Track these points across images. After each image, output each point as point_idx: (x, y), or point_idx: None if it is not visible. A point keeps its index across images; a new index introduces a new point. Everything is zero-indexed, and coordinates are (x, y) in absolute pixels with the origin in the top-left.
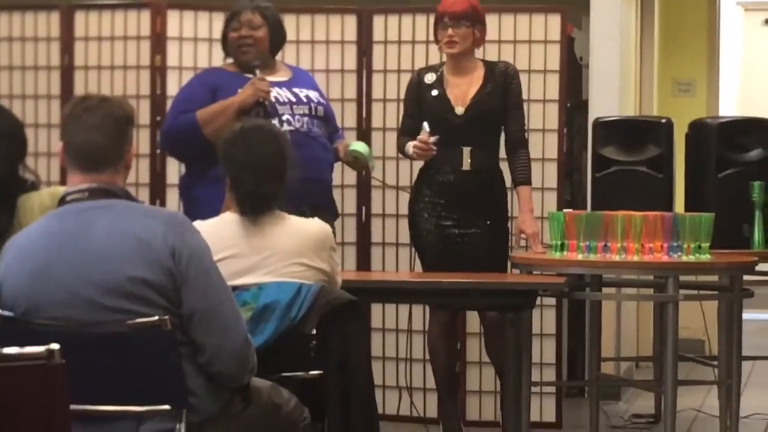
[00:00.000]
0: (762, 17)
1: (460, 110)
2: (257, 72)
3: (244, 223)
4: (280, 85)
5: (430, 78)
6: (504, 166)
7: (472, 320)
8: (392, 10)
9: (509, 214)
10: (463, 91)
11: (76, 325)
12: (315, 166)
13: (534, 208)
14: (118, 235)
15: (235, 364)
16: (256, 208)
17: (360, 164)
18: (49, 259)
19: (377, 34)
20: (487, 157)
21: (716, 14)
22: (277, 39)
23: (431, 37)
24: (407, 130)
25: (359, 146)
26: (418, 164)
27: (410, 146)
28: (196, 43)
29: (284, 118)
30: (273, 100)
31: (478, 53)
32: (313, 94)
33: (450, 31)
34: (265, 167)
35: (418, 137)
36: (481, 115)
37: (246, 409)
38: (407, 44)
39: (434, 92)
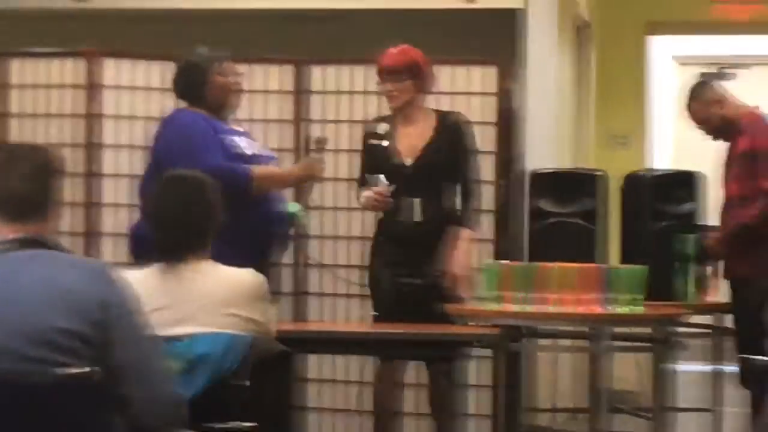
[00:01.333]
0: (696, 71)
1: (408, 161)
2: (321, 150)
3: (172, 272)
4: (240, 134)
5: (382, 128)
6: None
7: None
8: (329, 61)
9: None
10: (412, 143)
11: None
12: (280, 223)
13: (470, 255)
14: (46, 285)
15: (165, 417)
16: (169, 257)
17: (294, 223)
18: None
19: (315, 84)
20: (439, 207)
21: (651, 68)
22: None
23: (369, 87)
24: (364, 182)
25: (294, 207)
26: (357, 214)
27: (365, 197)
28: (133, 92)
29: None
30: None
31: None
32: (264, 148)
33: (389, 85)
34: (174, 216)
35: (375, 189)
36: (429, 167)
37: None
38: (345, 95)
39: (384, 143)
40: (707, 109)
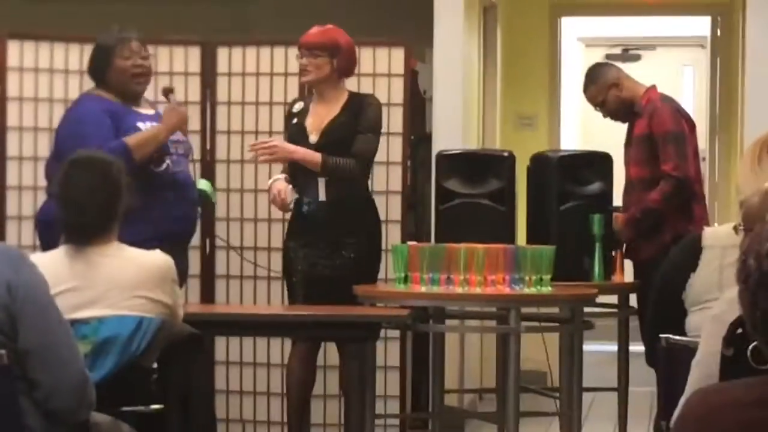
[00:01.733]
0: (602, 53)
1: (313, 138)
2: (172, 98)
3: (79, 255)
4: (148, 118)
5: (297, 107)
6: (381, 198)
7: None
8: (236, 42)
9: (377, 245)
10: (320, 120)
11: None
12: (195, 209)
13: (310, 160)
14: None
15: (73, 399)
16: (76, 239)
17: (203, 200)
18: None
19: (221, 66)
20: (346, 187)
21: (557, 49)
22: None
23: (276, 69)
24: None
25: (203, 184)
26: (263, 196)
27: (272, 188)
28: (37, 74)
29: (173, 157)
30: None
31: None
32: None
33: (304, 60)
34: (80, 198)
35: (278, 191)
36: (332, 143)
37: None
38: (251, 76)
39: (295, 120)
40: (605, 91)
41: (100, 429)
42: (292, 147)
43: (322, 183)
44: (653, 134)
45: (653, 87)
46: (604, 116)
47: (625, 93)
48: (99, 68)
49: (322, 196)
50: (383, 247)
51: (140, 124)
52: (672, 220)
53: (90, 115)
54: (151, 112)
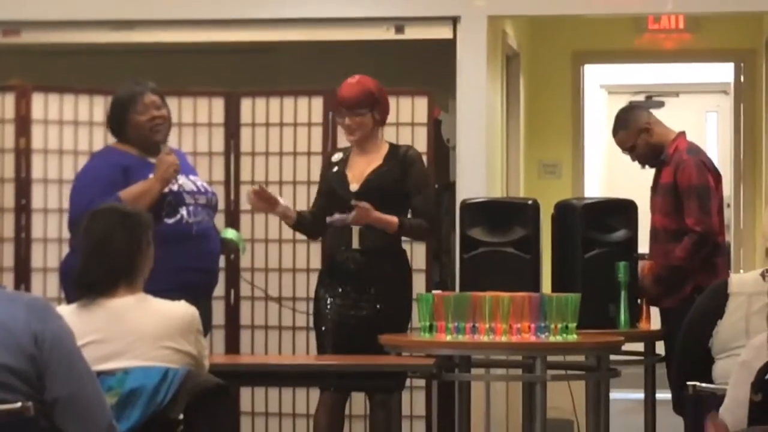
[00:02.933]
0: (625, 100)
1: (354, 187)
2: (162, 147)
3: (103, 306)
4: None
5: (336, 157)
6: (407, 247)
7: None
8: (259, 93)
9: (407, 295)
10: (361, 170)
11: None
12: (214, 260)
13: (390, 223)
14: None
15: None
16: (98, 291)
17: (230, 249)
18: None
19: (245, 116)
20: (381, 236)
21: (580, 97)
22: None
23: (299, 119)
24: (313, 204)
25: (230, 233)
26: (287, 246)
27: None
28: (62, 126)
29: (190, 208)
30: (180, 184)
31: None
32: (204, 183)
33: (347, 120)
34: (100, 248)
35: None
36: (372, 193)
37: None
38: (275, 127)
39: (335, 169)
40: (635, 136)
41: None
42: (374, 211)
43: (356, 231)
44: (678, 187)
45: (682, 134)
46: (632, 160)
47: (655, 138)
48: (116, 123)
49: (355, 244)
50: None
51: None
52: (694, 273)
53: (92, 170)
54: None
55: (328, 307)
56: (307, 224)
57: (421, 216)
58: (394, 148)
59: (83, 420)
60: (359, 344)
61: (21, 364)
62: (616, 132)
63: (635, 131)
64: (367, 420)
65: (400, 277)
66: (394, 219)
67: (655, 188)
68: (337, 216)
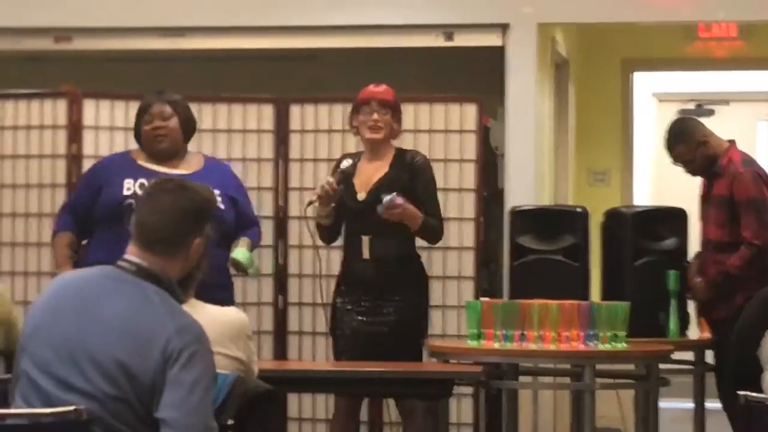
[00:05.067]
0: (675, 108)
1: (361, 196)
2: None
3: None
4: (184, 177)
5: (345, 164)
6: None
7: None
8: (308, 100)
9: (424, 300)
10: (368, 178)
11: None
12: (213, 275)
13: (417, 218)
14: (129, 319)
15: None
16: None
17: (239, 269)
18: (60, 309)
19: (294, 123)
20: (391, 245)
21: (630, 105)
22: (188, 129)
23: (347, 126)
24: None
25: (239, 254)
26: (336, 253)
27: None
28: (113, 132)
29: None
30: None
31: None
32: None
33: (376, 115)
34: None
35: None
36: (379, 201)
37: None
38: (324, 133)
39: (344, 176)
40: (693, 150)
41: None
42: (406, 208)
43: (366, 241)
44: (734, 199)
45: (733, 144)
46: (687, 172)
47: (711, 151)
48: (135, 131)
49: (365, 254)
50: (456, 302)
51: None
52: (747, 285)
53: (81, 181)
54: (186, 171)
55: (346, 316)
56: (327, 227)
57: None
58: (400, 153)
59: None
60: (377, 353)
61: (139, 369)
62: (673, 146)
63: (694, 145)
64: (390, 427)
65: (415, 284)
66: (420, 215)
67: (707, 199)
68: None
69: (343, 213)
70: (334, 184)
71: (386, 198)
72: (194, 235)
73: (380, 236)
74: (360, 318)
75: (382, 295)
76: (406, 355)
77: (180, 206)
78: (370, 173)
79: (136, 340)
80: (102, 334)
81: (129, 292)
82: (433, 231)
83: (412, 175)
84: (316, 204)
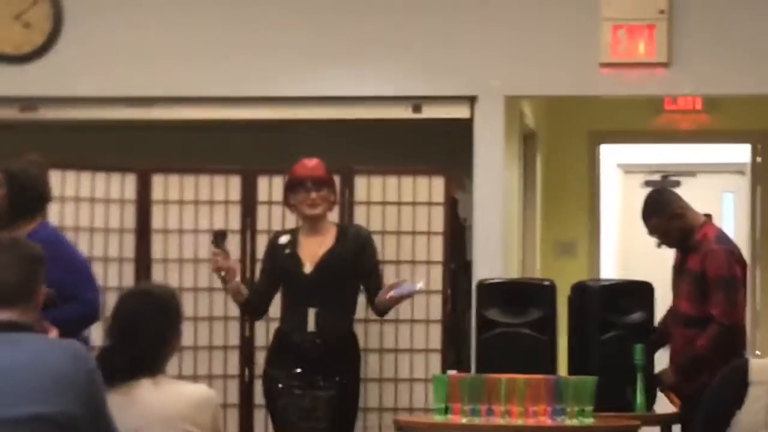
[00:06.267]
0: (641, 179)
1: (308, 268)
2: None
3: (126, 388)
4: None
5: (284, 239)
6: (357, 330)
7: None
8: (276, 171)
9: (359, 377)
10: (313, 251)
11: None
12: None
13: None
14: (30, 366)
15: None
16: (109, 380)
17: None
18: None
19: (261, 194)
20: (336, 319)
21: (596, 176)
22: (21, 198)
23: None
24: (257, 284)
25: None
26: None
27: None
28: (78, 203)
29: None
30: None
31: (361, 213)
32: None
33: (313, 194)
34: (122, 338)
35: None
36: (328, 274)
37: None
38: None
39: (287, 251)
40: (667, 222)
41: None
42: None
43: (312, 313)
44: (706, 275)
45: (709, 220)
46: (662, 243)
47: (687, 223)
48: None
49: (310, 327)
50: (424, 376)
51: None
52: (713, 363)
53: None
54: None
55: (281, 386)
56: (252, 304)
57: (373, 295)
58: (342, 228)
59: None
60: (314, 427)
61: (71, 409)
62: (648, 218)
63: (667, 217)
64: None
65: (350, 360)
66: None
67: (679, 272)
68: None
69: (289, 285)
70: (221, 257)
71: (418, 286)
72: (40, 282)
73: (327, 309)
74: (298, 392)
75: (321, 368)
76: (343, 428)
77: (25, 258)
78: (314, 247)
79: (52, 382)
80: (8, 395)
81: (14, 349)
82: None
83: (360, 247)
84: (231, 286)
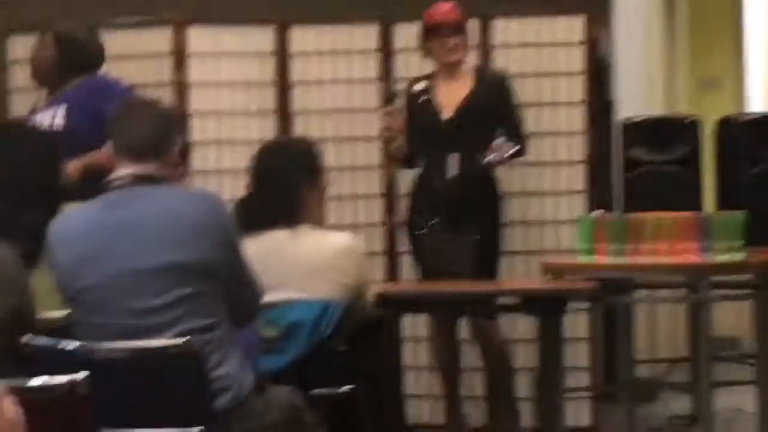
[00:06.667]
0: None
1: (446, 115)
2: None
3: (268, 237)
4: (46, 109)
5: (420, 86)
6: (500, 173)
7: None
8: (414, 18)
9: (501, 221)
10: (451, 97)
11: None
12: None
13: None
14: (167, 217)
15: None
16: (264, 223)
17: None
18: (94, 245)
19: (398, 42)
20: (476, 163)
21: (741, 8)
22: (68, 60)
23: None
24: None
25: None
26: None
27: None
28: (218, 58)
29: None
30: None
31: (500, 57)
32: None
33: (451, 40)
34: (257, 184)
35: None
36: (467, 120)
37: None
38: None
39: (422, 99)
40: None
41: (281, 395)
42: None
43: (453, 159)
44: None
45: None
46: None
47: None
48: None
49: (452, 172)
50: (569, 217)
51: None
52: None
53: None
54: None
55: (424, 232)
56: (410, 158)
57: (524, 137)
58: (481, 71)
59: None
60: (454, 270)
61: (208, 254)
62: None
63: None
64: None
65: (492, 204)
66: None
67: None
68: (494, 155)
69: (426, 134)
70: (393, 116)
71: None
72: (175, 142)
73: (467, 154)
74: (441, 237)
75: (463, 213)
76: (488, 272)
77: (160, 116)
78: (451, 93)
79: (187, 230)
80: (149, 244)
81: (150, 200)
82: (519, 155)
83: (498, 91)
84: (397, 143)
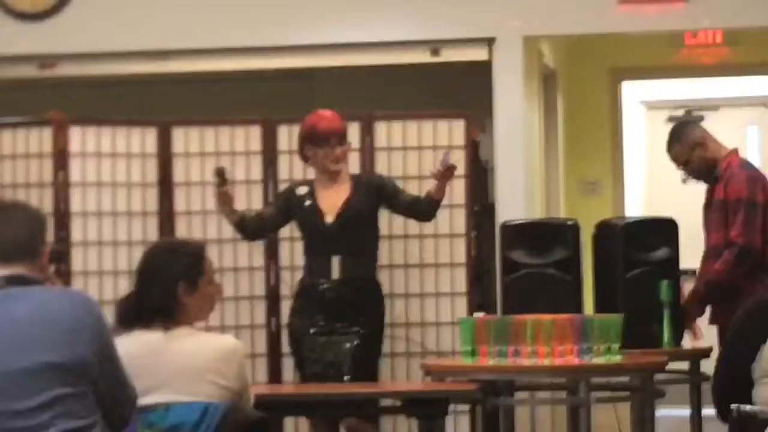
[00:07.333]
0: (665, 115)
1: (329, 219)
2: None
3: (151, 338)
4: None
5: (302, 190)
6: (382, 275)
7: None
8: (297, 120)
9: (384, 323)
10: (333, 202)
11: None
12: None
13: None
14: (40, 317)
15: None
16: (147, 322)
17: None
18: None
19: (282, 143)
20: (359, 265)
21: (619, 113)
22: None
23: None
24: (261, 210)
25: None
26: None
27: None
28: (100, 159)
29: None
30: None
31: (382, 159)
32: None
33: (338, 150)
34: (150, 281)
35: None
36: (349, 222)
37: None
38: None
39: (307, 203)
40: (689, 151)
41: None
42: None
43: (336, 261)
44: (727, 200)
45: (735, 151)
46: (686, 176)
47: (709, 153)
48: None
49: (335, 275)
50: (450, 319)
51: None
52: (749, 288)
53: None
54: None
55: (306, 335)
56: (247, 223)
57: (416, 197)
58: (356, 178)
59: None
60: (337, 372)
61: (87, 356)
62: (670, 147)
63: (690, 146)
64: None
65: (376, 305)
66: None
67: (708, 205)
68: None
69: (312, 236)
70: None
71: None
72: (44, 243)
73: (350, 256)
74: (322, 340)
75: (345, 316)
76: (367, 376)
77: (31, 218)
78: (331, 197)
79: (63, 333)
80: (24, 348)
81: (23, 301)
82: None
83: (377, 189)
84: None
